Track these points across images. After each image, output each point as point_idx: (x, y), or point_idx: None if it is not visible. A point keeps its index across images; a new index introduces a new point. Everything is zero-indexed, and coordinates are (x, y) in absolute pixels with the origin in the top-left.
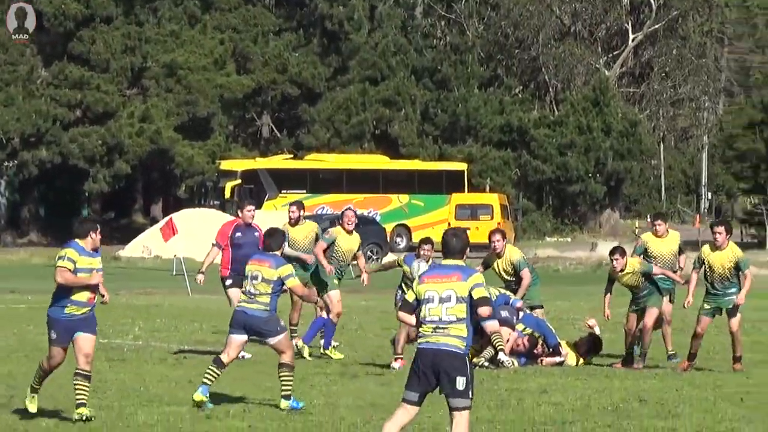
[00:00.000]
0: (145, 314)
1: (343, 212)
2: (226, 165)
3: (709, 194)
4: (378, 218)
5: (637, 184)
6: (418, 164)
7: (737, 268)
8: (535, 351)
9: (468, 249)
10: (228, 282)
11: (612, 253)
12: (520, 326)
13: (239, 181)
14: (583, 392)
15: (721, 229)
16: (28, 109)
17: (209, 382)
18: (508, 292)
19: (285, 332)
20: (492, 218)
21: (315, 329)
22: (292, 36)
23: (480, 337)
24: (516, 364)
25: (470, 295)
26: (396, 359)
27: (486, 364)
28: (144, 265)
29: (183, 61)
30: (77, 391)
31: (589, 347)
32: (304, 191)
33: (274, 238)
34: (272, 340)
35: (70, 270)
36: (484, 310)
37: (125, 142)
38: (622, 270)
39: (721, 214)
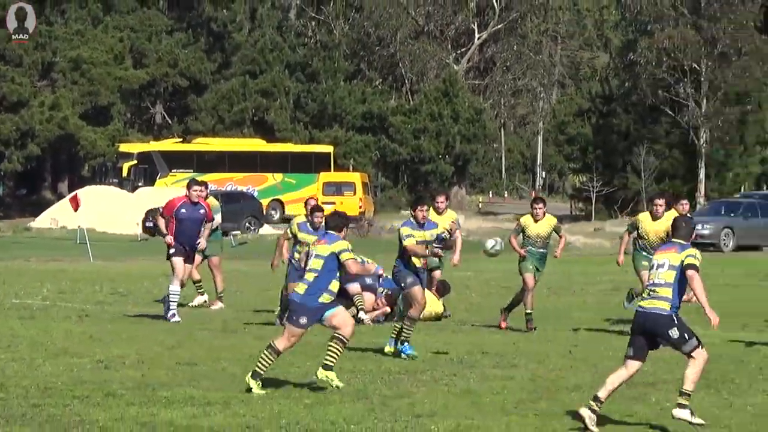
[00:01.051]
0: (53, 278)
1: (306, 201)
2: (124, 147)
3: (544, 173)
4: (255, 194)
5: (481, 164)
6: (290, 147)
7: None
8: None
9: (692, 235)
10: (172, 251)
11: (656, 197)
12: (380, 289)
13: (135, 161)
14: (433, 346)
15: (661, 201)
16: None
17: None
18: (369, 260)
19: None
20: (355, 194)
21: None
22: (183, 35)
23: (345, 299)
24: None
25: (682, 262)
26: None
27: None
28: (52, 235)
29: (87, 56)
30: (329, 352)
31: (439, 289)
32: (192, 170)
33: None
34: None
35: (356, 259)
36: (690, 273)
37: (36, 127)
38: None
39: (553, 191)
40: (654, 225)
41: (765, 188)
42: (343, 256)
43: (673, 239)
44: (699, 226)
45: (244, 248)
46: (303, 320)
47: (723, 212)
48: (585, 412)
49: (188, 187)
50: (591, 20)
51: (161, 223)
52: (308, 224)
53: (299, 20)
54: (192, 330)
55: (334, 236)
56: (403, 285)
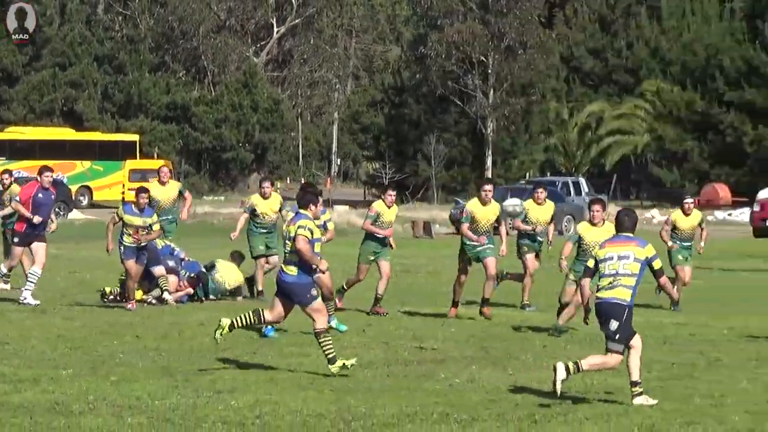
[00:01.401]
0: None
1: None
2: None
3: (339, 160)
4: (65, 180)
5: (279, 152)
6: (98, 135)
7: (497, 221)
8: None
9: (636, 225)
10: (16, 240)
11: (485, 183)
12: (183, 272)
13: None
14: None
15: (489, 186)
16: None
17: None
18: (172, 244)
19: None
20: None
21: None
22: None
23: (149, 282)
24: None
25: (648, 262)
26: (130, 303)
27: (154, 301)
28: None
29: None
30: (323, 349)
31: (236, 258)
32: (4, 158)
33: None
34: None
35: (308, 239)
36: (663, 279)
37: None
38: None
39: (348, 177)
40: (484, 210)
41: (549, 175)
42: (298, 231)
43: (621, 233)
44: None
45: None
46: (314, 292)
47: (509, 197)
48: (639, 400)
49: (40, 173)
50: (384, 15)
51: (21, 208)
52: (133, 206)
53: (107, 15)
54: (3, 310)
55: (301, 216)
56: None
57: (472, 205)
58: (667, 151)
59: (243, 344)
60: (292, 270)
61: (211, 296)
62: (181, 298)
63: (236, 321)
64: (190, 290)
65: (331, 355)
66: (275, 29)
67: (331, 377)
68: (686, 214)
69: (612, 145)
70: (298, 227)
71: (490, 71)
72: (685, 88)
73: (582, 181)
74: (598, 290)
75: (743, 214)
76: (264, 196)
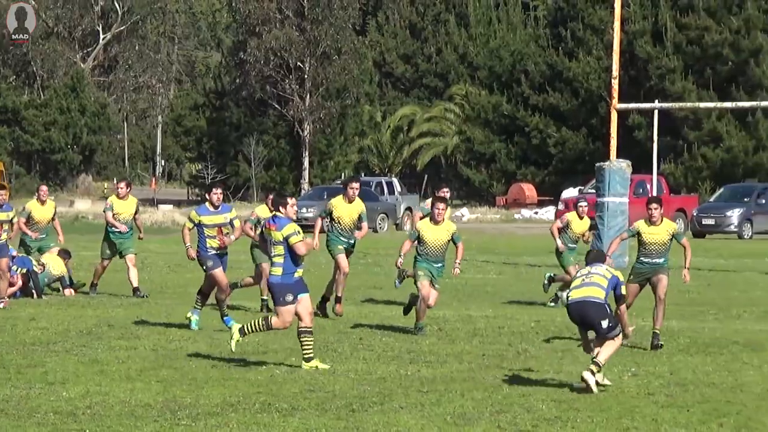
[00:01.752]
0: None
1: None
2: None
3: (163, 161)
4: None
5: (106, 153)
6: None
7: (359, 219)
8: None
9: (606, 259)
10: None
11: (351, 181)
12: (14, 267)
13: None
14: (63, 319)
15: (356, 185)
16: None
17: None
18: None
19: None
20: None
21: None
22: None
23: None
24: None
25: (616, 284)
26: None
27: None
28: None
29: None
30: (304, 347)
31: (62, 254)
32: None
33: None
34: None
35: (303, 239)
36: (623, 309)
37: None
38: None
39: (172, 178)
40: (348, 208)
41: (363, 175)
42: (292, 240)
43: (593, 263)
44: (303, 210)
45: None
46: (289, 297)
47: (326, 197)
48: (595, 377)
49: None
50: (205, 22)
51: None
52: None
53: None
54: None
55: (282, 220)
56: (204, 268)
57: (336, 201)
58: (476, 153)
59: (74, 337)
60: (278, 271)
61: (43, 291)
62: (14, 292)
63: (248, 328)
64: (20, 283)
65: (246, 330)
66: (101, 36)
67: (159, 369)
68: (580, 218)
69: (423, 146)
70: (290, 235)
71: (306, 76)
72: (492, 92)
73: (395, 181)
74: (569, 293)
75: (548, 213)
76: (119, 197)
